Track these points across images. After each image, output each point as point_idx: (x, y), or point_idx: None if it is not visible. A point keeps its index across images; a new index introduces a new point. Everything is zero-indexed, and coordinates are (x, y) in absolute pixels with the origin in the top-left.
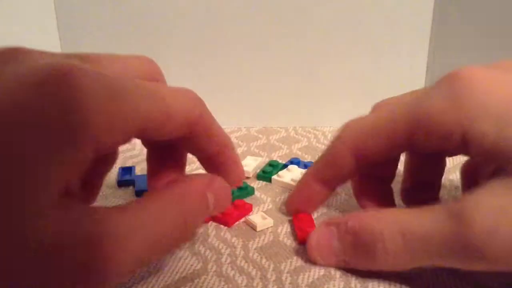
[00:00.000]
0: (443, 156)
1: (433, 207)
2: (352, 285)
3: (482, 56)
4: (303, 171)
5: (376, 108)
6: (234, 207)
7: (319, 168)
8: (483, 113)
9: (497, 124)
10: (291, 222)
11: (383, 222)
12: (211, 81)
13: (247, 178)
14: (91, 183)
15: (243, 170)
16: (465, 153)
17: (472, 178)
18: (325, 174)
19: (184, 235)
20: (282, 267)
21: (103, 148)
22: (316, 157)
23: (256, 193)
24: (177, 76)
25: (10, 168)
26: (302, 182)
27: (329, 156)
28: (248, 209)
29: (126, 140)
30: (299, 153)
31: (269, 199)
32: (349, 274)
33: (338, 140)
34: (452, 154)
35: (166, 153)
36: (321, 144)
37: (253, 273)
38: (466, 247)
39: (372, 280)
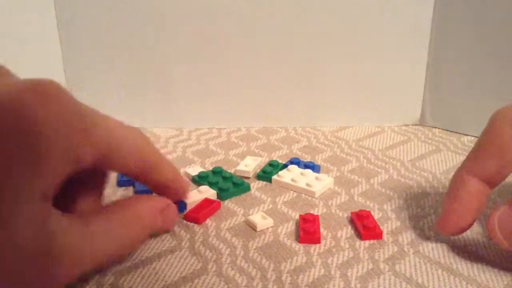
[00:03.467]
0: None
1: None
2: (352, 285)
3: (482, 56)
4: (303, 171)
5: None
6: (203, 205)
7: (477, 162)
8: None
9: None
10: (296, 222)
11: None
12: (212, 81)
13: (247, 178)
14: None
15: (186, 186)
16: None
17: None
18: (487, 168)
19: (126, 252)
20: (282, 267)
21: (81, 162)
22: (316, 157)
23: (256, 193)
24: (177, 76)
25: None
26: (458, 185)
27: (489, 145)
28: (216, 206)
29: (95, 162)
30: (299, 153)
31: (269, 199)
32: (349, 274)
33: (496, 125)
34: None
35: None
36: (321, 144)
37: (253, 273)
38: None
39: (372, 280)
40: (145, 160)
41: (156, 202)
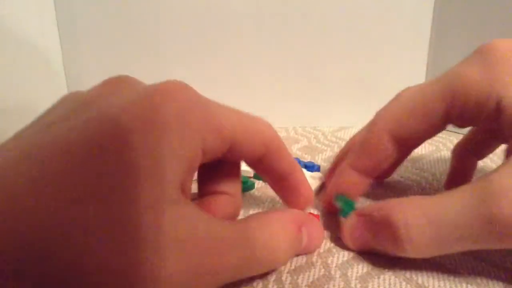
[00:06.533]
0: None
1: (458, 190)
2: (352, 285)
3: None
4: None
5: (401, 95)
6: None
7: (357, 158)
8: None
9: None
10: None
11: (409, 212)
12: (211, 81)
13: (249, 177)
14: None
15: (312, 193)
16: (496, 124)
17: (465, 159)
18: (364, 162)
19: (270, 263)
20: (282, 267)
21: (209, 151)
22: (316, 157)
23: (256, 193)
24: (177, 76)
25: (131, 166)
26: (339, 174)
27: (368, 144)
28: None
29: (223, 149)
30: (299, 153)
31: (269, 199)
32: (349, 274)
33: (375, 125)
34: (484, 127)
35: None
36: (321, 144)
37: None
38: (498, 227)
39: (372, 280)
40: (268, 143)
41: (293, 214)
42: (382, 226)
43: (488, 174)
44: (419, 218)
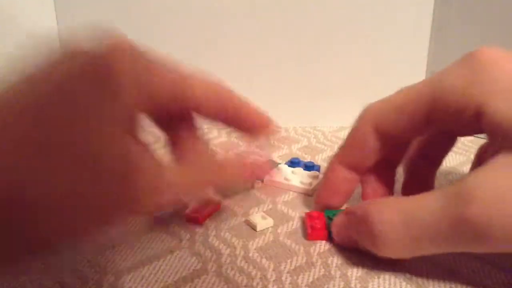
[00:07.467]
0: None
1: (434, 191)
2: (352, 285)
3: None
4: (294, 169)
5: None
6: (203, 206)
7: (344, 152)
8: (497, 88)
9: (510, 99)
10: (298, 221)
11: (385, 211)
12: None
13: None
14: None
15: (267, 115)
16: (477, 130)
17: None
18: (351, 157)
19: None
20: (282, 267)
21: (156, 95)
22: (316, 157)
23: (256, 193)
24: None
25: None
26: (329, 171)
27: (353, 138)
28: (216, 207)
29: (164, 101)
30: (299, 153)
31: (269, 199)
32: (349, 274)
33: (361, 120)
34: (465, 133)
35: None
36: (321, 144)
37: (253, 273)
38: (467, 228)
39: (372, 280)
40: (221, 96)
41: (241, 157)
42: (362, 223)
43: (463, 176)
44: (393, 217)
